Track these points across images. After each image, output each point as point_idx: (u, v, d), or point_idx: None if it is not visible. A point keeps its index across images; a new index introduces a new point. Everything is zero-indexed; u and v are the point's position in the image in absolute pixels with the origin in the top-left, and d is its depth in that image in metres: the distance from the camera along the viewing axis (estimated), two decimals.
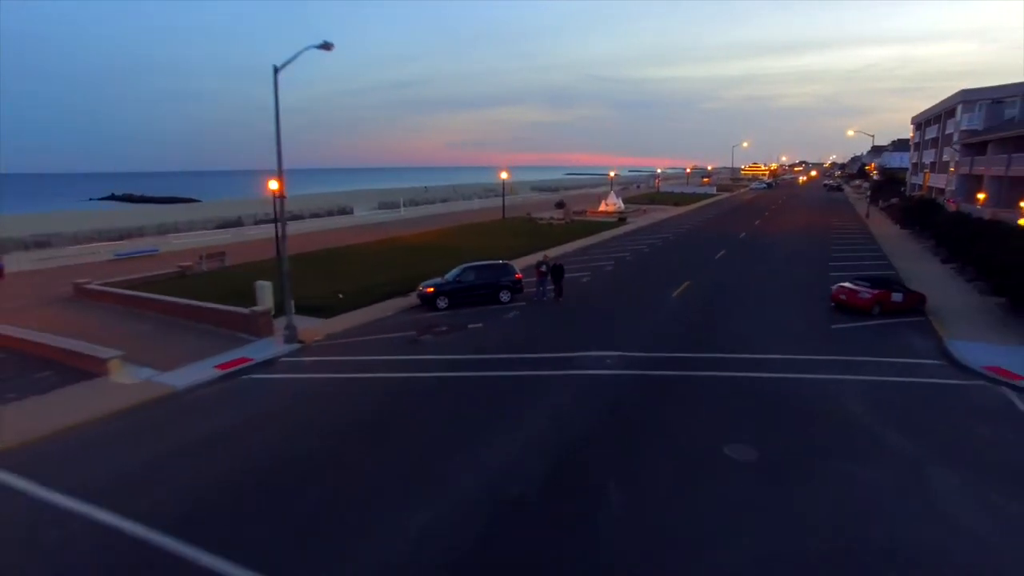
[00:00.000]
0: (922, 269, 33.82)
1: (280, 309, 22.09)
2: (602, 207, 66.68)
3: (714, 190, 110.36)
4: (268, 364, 18.73)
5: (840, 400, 15.13)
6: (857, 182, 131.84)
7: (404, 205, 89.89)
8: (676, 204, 79.21)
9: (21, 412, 14.93)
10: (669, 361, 18.00)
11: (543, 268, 26.51)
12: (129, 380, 17.16)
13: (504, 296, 25.62)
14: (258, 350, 19.77)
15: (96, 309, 25.14)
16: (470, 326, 22.30)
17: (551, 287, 26.31)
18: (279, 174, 20.63)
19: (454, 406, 14.96)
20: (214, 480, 11.43)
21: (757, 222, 58.88)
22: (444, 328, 22.13)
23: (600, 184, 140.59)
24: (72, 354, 18.24)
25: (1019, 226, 28.11)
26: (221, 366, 18.18)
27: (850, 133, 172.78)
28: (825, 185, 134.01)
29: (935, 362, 18.34)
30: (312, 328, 21.90)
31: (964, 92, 56.89)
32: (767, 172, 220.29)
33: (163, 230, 61.17)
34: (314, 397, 15.97)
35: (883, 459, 12.05)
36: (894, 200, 72.80)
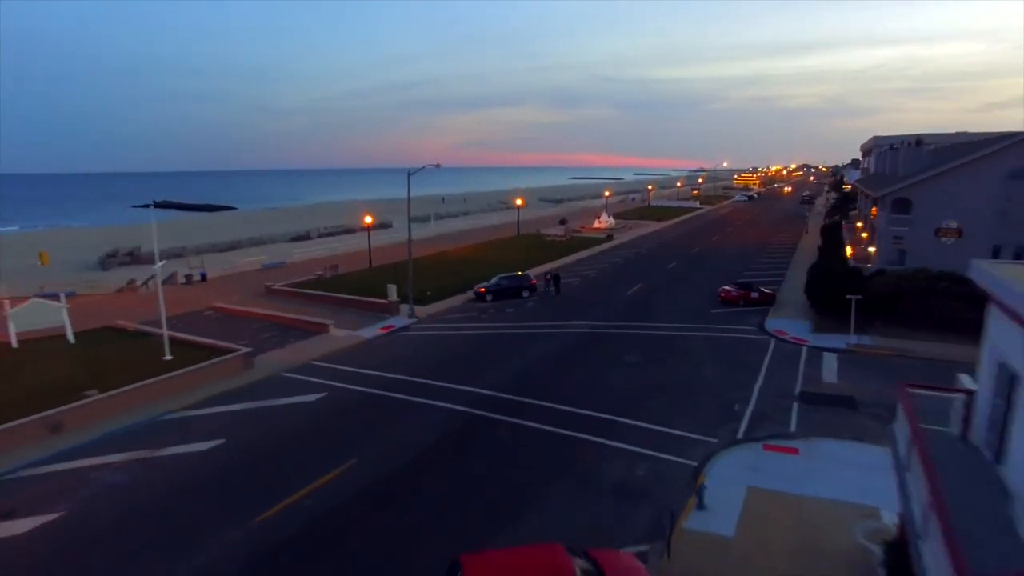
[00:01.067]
0: (803, 277, 50.35)
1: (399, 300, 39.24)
2: (596, 224, 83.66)
3: (698, 203, 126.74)
4: (405, 328, 35.86)
5: (691, 342, 32.03)
6: (833, 194, 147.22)
7: (433, 219, 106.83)
8: (658, 219, 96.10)
9: (305, 346, 32.09)
10: (613, 326, 34.99)
11: (548, 276, 43.57)
12: (340, 335, 34.31)
13: (525, 294, 42.64)
14: (396, 321, 36.90)
15: (285, 300, 42.27)
16: (507, 310, 39.37)
17: (553, 288, 43.31)
18: (409, 243, 37.72)
19: (506, 341, 32.05)
20: (423, 365, 28.55)
21: (715, 238, 75.69)
22: (492, 311, 39.21)
23: (603, 191, 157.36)
24: (306, 322, 35.43)
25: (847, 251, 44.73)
26: (382, 329, 35.34)
27: (793, 166, 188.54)
28: (803, 196, 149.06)
29: (752, 328, 35.16)
30: (420, 310, 38.98)
31: (876, 138, 73.38)
32: (757, 181, 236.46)
33: (254, 242, 78.50)
34: (438, 340, 33.14)
35: (693, 361, 28.93)
36: (836, 218, 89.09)
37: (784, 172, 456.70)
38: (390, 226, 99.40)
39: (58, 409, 22.05)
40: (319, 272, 48.76)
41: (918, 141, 67.61)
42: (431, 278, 48.65)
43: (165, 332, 28.09)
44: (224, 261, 61.36)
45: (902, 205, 36.96)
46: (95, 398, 23.25)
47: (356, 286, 44.96)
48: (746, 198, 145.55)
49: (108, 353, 29.43)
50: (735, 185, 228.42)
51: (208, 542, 15.18)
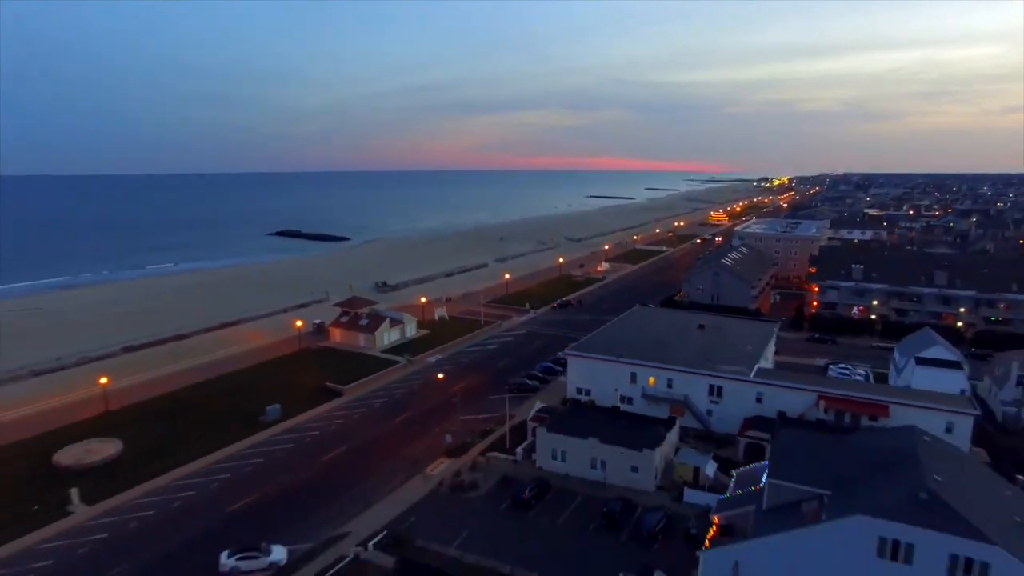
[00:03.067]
0: None
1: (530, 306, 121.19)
2: (599, 268, 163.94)
3: (664, 247, 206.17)
4: (534, 318, 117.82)
5: None
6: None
7: (507, 259, 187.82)
8: (634, 263, 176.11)
9: (509, 323, 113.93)
10: (596, 317, 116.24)
11: (577, 300, 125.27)
12: (516, 319, 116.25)
13: (569, 307, 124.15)
14: (530, 316, 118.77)
15: (488, 308, 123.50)
16: (565, 312, 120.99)
17: (579, 304, 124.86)
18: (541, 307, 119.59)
19: (565, 320, 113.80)
20: (547, 325, 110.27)
21: (657, 278, 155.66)
22: (559, 312, 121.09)
23: (619, 210, 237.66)
24: (504, 315, 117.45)
25: None
26: (527, 317, 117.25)
27: (785, 179, 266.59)
28: None
29: None
30: (537, 312, 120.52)
31: (736, 233, 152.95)
32: (726, 217, 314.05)
33: (429, 278, 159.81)
34: (547, 321, 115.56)
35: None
36: None
37: (771, 197, 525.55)
38: (486, 266, 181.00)
39: (473, 333, 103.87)
40: (489, 298, 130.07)
41: (737, 237, 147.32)
42: (532, 299, 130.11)
43: (483, 316, 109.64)
44: (437, 289, 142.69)
45: (689, 281, 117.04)
46: (480, 331, 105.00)
47: (508, 300, 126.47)
48: (699, 241, 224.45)
49: (462, 323, 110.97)
50: (710, 221, 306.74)
51: (521, 351, 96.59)
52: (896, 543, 31.75)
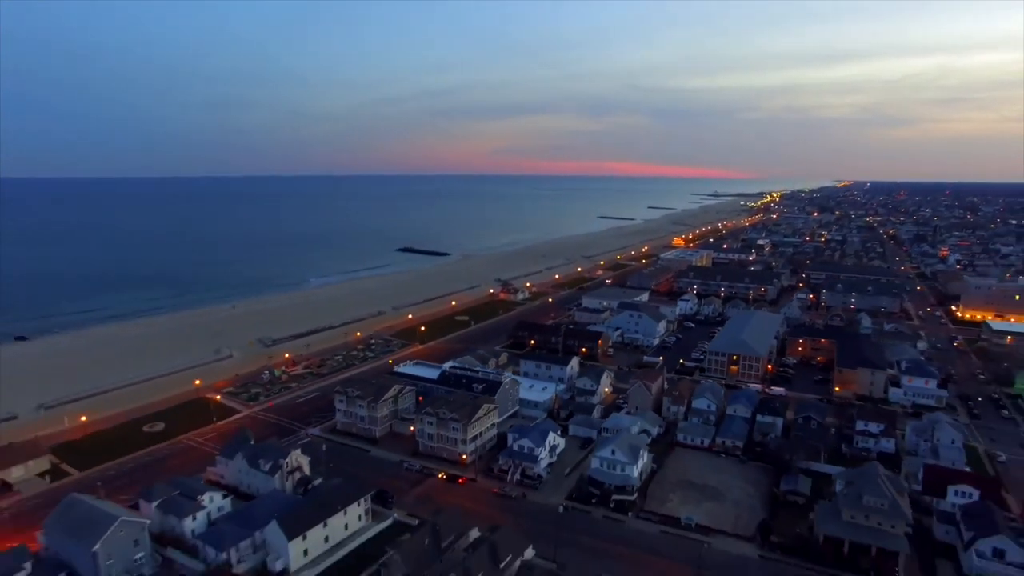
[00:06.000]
0: None
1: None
2: (597, 273, 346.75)
3: (632, 263, 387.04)
4: (570, 291, 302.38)
5: None
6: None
7: (551, 268, 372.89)
8: (615, 271, 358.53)
9: (559, 294, 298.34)
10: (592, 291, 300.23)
11: (585, 286, 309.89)
12: (563, 292, 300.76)
13: (582, 288, 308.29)
14: (567, 291, 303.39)
15: (552, 289, 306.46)
16: (581, 290, 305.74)
17: (587, 287, 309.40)
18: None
19: (580, 294, 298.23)
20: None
21: (624, 277, 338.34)
22: (580, 290, 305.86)
23: (619, 232, 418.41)
24: (557, 291, 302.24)
25: None
26: (567, 292, 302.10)
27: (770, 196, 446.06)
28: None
29: None
30: (570, 290, 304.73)
31: (659, 258, 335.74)
32: (683, 242, 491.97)
33: (518, 277, 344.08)
34: (576, 293, 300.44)
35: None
36: None
37: (734, 221, 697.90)
38: (541, 272, 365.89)
39: (548, 296, 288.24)
40: (550, 286, 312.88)
41: (658, 257, 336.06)
42: (567, 286, 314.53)
43: (550, 291, 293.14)
44: (526, 281, 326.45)
45: (631, 278, 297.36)
46: (551, 295, 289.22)
47: (556, 286, 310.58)
48: (644, 261, 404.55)
49: (543, 293, 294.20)
50: (672, 245, 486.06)
51: (568, 301, 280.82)
52: (625, 306, 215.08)
